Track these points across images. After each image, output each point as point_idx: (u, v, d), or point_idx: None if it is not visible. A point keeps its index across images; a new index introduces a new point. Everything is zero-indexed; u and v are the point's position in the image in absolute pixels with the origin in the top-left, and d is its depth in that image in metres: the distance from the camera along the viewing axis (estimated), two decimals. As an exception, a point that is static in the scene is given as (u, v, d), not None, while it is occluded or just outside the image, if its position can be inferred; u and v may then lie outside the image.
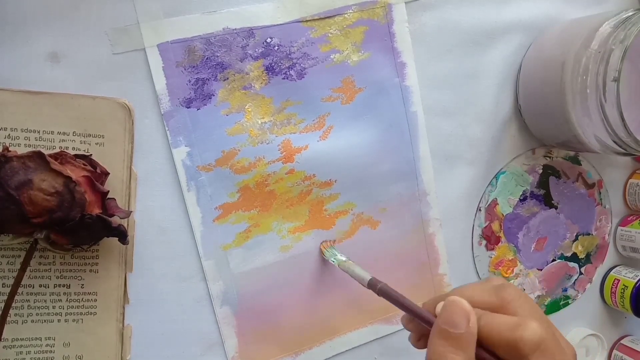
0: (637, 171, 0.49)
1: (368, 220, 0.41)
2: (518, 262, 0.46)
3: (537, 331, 0.25)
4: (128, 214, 0.33)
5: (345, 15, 0.37)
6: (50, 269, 0.34)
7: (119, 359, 0.35)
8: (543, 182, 0.46)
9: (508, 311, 0.27)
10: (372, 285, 0.32)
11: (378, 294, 0.31)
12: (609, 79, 0.34)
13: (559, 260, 0.48)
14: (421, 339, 0.31)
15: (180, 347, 0.37)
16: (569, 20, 0.42)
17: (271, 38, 0.36)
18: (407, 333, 0.43)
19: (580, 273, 0.49)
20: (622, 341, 0.51)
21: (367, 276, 0.33)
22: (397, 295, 0.30)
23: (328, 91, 0.38)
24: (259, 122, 0.37)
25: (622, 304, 0.48)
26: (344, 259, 0.37)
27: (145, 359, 0.36)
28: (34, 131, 0.32)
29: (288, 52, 0.37)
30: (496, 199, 0.44)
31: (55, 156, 0.31)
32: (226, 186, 0.37)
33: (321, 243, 0.40)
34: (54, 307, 0.34)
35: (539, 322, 0.25)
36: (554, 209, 0.46)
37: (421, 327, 0.30)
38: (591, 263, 0.49)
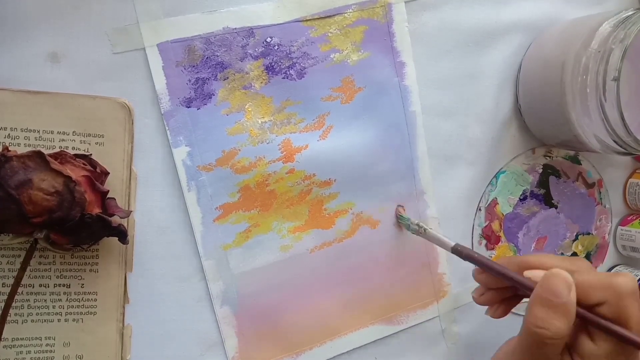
0: (637, 171, 0.49)
1: (368, 219, 0.41)
2: (518, 261, 0.46)
3: (632, 279, 0.28)
4: (128, 213, 0.33)
5: (345, 14, 0.37)
6: (50, 269, 0.34)
7: (119, 358, 0.35)
8: (543, 182, 0.46)
9: None
10: (457, 251, 0.35)
11: (464, 259, 0.35)
12: (609, 78, 0.34)
13: (559, 260, 0.48)
14: (485, 294, 0.35)
15: (180, 347, 0.37)
16: (569, 20, 0.42)
17: (271, 37, 0.36)
18: (409, 334, 0.43)
19: (581, 273, 0.49)
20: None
21: (451, 242, 0.36)
22: (486, 260, 0.33)
23: (328, 91, 0.38)
24: (259, 122, 0.37)
25: (622, 303, 0.48)
26: (416, 226, 0.39)
27: (145, 359, 0.36)
28: (34, 131, 0.32)
29: (288, 51, 0.37)
30: (496, 198, 0.44)
31: (55, 156, 0.31)
32: (226, 186, 0.37)
33: (396, 207, 0.41)
34: (54, 307, 0.34)
35: None
36: (554, 209, 0.46)
37: (490, 282, 0.34)
38: (591, 262, 0.49)
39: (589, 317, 0.29)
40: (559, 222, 0.47)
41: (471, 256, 0.34)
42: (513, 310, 0.36)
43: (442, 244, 0.37)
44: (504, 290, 0.35)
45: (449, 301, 0.44)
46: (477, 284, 0.36)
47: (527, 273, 0.31)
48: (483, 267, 0.33)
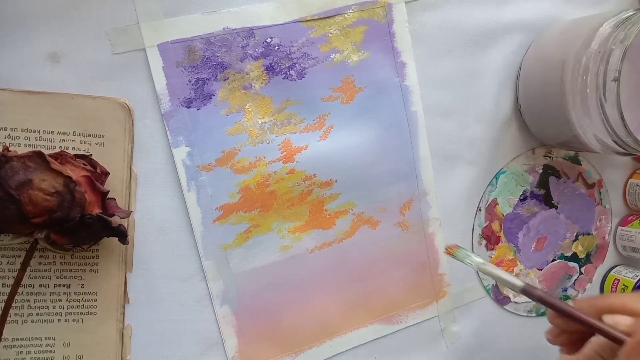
0: (637, 171, 0.49)
1: (368, 220, 0.41)
2: (518, 262, 0.46)
3: None
4: (128, 214, 0.33)
5: (346, 15, 0.37)
6: (50, 269, 0.34)
7: (119, 359, 0.35)
8: (543, 182, 0.46)
9: None
10: (528, 292, 0.31)
11: (535, 301, 0.31)
12: (609, 79, 0.34)
13: (559, 260, 0.48)
14: (561, 335, 0.32)
15: (180, 347, 0.37)
16: (569, 20, 0.42)
17: (271, 38, 0.36)
18: (408, 333, 0.43)
19: (581, 273, 0.49)
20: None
21: (520, 283, 0.32)
22: (563, 305, 0.30)
23: (328, 91, 0.38)
24: (259, 122, 0.37)
25: (622, 303, 0.48)
26: (481, 260, 0.35)
27: (145, 359, 0.36)
28: (34, 131, 0.32)
29: (288, 52, 0.37)
30: (496, 198, 0.44)
31: (55, 156, 0.31)
32: (227, 186, 0.37)
33: (446, 248, 0.37)
34: (54, 307, 0.34)
35: None
36: (554, 209, 0.46)
37: (567, 326, 0.31)
38: (591, 263, 0.49)
39: None
40: (559, 223, 0.47)
41: (544, 299, 0.31)
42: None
43: (509, 284, 0.33)
44: (581, 331, 0.31)
45: (449, 301, 0.44)
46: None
47: (608, 319, 0.28)
48: (560, 312, 0.30)
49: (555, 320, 0.32)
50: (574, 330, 0.31)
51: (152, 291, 0.36)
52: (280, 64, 0.37)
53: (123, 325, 0.35)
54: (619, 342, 0.28)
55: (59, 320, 0.34)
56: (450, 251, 0.37)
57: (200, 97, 0.35)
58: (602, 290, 0.50)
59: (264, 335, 0.39)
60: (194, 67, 0.35)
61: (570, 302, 0.31)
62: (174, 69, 0.34)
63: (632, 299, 0.30)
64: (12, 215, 0.29)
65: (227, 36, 0.35)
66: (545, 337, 0.33)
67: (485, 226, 0.45)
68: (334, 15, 0.37)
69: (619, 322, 0.28)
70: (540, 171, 0.46)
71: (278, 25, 0.36)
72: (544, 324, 0.32)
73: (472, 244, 0.44)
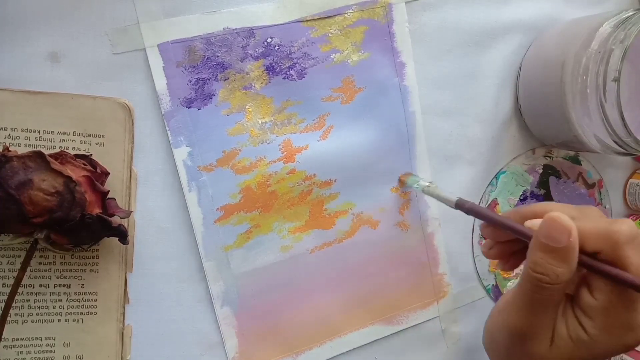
0: (637, 171, 0.49)
1: (368, 219, 0.41)
2: (518, 262, 0.46)
3: (632, 225, 0.27)
4: (128, 214, 0.33)
5: (346, 15, 0.37)
6: (50, 269, 0.34)
7: (119, 359, 0.35)
8: (543, 182, 0.46)
9: None
10: (460, 205, 0.34)
11: (467, 213, 0.34)
12: (609, 79, 0.34)
13: (559, 260, 0.48)
14: (493, 247, 0.34)
15: (180, 347, 0.37)
16: (569, 20, 0.42)
17: (271, 38, 0.36)
18: (409, 334, 0.43)
19: (580, 273, 0.49)
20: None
21: (454, 197, 0.35)
22: (487, 212, 0.32)
23: (328, 91, 0.38)
24: (260, 122, 0.37)
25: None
26: (427, 183, 0.38)
27: (145, 359, 0.36)
28: (34, 131, 0.32)
29: (288, 52, 0.37)
30: (496, 198, 0.45)
31: (56, 156, 0.31)
32: (227, 187, 0.37)
33: (400, 175, 0.41)
34: (54, 307, 0.34)
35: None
36: (554, 209, 0.46)
37: (497, 236, 0.33)
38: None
39: (590, 263, 0.28)
40: (559, 222, 0.47)
41: (474, 209, 0.33)
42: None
43: (445, 201, 0.36)
44: (511, 243, 0.33)
45: (449, 301, 0.44)
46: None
47: (528, 223, 0.30)
48: (485, 219, 0.32)
49: (485, 230, 0.34)
50: (504, 241, 0.33)
51: (152, 291, 0.36)
52: (280, 64, 0.37)
53: (123, 325, 0.35)
54: (529, 239, 0.29)
55: (59, 320, 0.34)
56: (403, 179, 0.41)
57: (200, 97, 0.35)
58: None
59: (264, 335, 0.39)
60: (194, 67, 0.35)
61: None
62: (174, 69, 0.34)
63: (554, 205, 0.31)
64: (12, 215, 0.29)
65: (227, 36, 0.35)
66: (482, 252, 0.35)
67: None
68: (334, 15, 0.37)
69: (535, 223, 0.29)
70: (540, 171, 0.46)
71: (278, 25, 0.36)
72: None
73: (472, 244, 0.44)
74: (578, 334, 0.28)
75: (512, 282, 0.46)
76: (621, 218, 0.28)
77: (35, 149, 0.30)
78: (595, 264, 0.27)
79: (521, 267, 0.32)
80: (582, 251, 0.27)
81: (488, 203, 0.44)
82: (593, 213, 0.30)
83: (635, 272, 0.27)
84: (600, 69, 0.35)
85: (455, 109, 0.42)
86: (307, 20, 0.37)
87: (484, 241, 0.35)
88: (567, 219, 0.27)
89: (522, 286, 0.29)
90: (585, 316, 0.28)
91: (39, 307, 0.34)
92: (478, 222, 0.44)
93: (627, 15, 0.35)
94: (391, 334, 0.42)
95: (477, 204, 0.44)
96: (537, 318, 0.29)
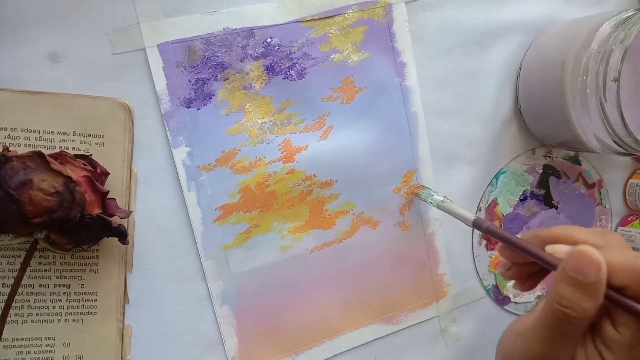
0: (637, 171, 0.49)
1: (368, 220, 0.41)
2: (518, 262, 0.46)
3: None
4: (128, 214, 0.33)
5: (346, 15, 0.37)
6: (50, 269, 0.34)
7: (119, 359, 0.35)
8: (543, 182, 0.46)
9: None
10: (478, 225, 0.33)
11: (485, 233, 0.33)
12: (609, 79, 0.34)
13: (559, 260, 0.48)
14: (511, 269, 0.34)
15: (180, 347, 0.37)
16: (569, 20, 0.42)
17: (271, 38, 0.36)
18: (408, 333, 0.43)
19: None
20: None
21: (471, 216, 0.34)
22: (507, 235, 0.32)
23: (328, 91, 0.38)
24: (259, 122, 0.37)
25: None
26: (441, 198, 0.38)
27: (145, 359, 0.36)
28: (34, 131, 0.32)
29: (288, 52, 0.37)
30: (496, 199, 0.44)
31: (56, 156, 0.31)
32: (227, 186, 0.37)
33: (410, 187, 0.40)
34: (54, 307, 0.34)
35: None
36: (554, 209, 0.46)
37: (515, 258, 0.33)
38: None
39: (616, 298, 0.27)
40: (559, 223, 0.47)
41: (492, 231, 0.32)
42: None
43: (462, 218, 0.35)
44: (529, 265, 0.33)
45: (449, 301, 0.44)
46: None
47: (549, 248, 0.29)
48: (505, 242, 0.32)
49: (504, 251, 0.33)
50: (522, 263, 0.33)
51: (152, 291, 0.36)
52: (280, 64, 0.37)
53: (123, 325, 0.35)
54: (554, 268, 0.28)
55: (59, 320, 0.34)
56: (415, 191, 0.40)
57: (200, 97, 0.35)
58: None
59: (264, 335, 0.39)
60: (194, 67, 0.35)
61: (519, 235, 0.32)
62: (174, 69, 0.34)
63: (574, 229, 0.30)
64: (12, 215, 0.29)
65: (227, 36, 0.35)
66: (499, 272, 0.35)
67: (485, 226, 0.44)
68: (334, 15, 0.37)
69: (558, 250, 0.29)
70: (540, 171, 0.46)
71: (278, 25, 0.36)
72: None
73: (472, 244, 0.44)
74: None
75: (512, 282, 0.46)
76: None
77: (35, 149, 0.30)
78: (622, 299, 0.27)
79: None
80: (608, 285, 0.27)
81: (488, 203, 0.44)
82: (616, 241, 0.30)
83: None
84: (600, 69, 0.35)
85: (455, 109, 0.42)
86: (307, 21, 0.37)
87: (498, 253, 0.34)
88: (597, 253, 0.26)
89: (545, 317, 0.28)
90: (606, 348, 0.28)
91: (38, 307, 0.34)
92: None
93: (627, 15, 0.35)
94: (391, 334, 0.42)
95: (478, 202, 0.44)
96: (557, 349, 0.28)
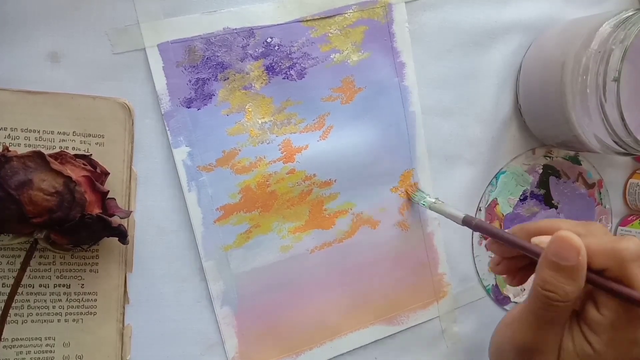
0: (637, 171, 0.49)
1: (368, 219, 0.41)
2: (518, 262, 0.46)
3: (638, 243, 0.27)
4: (128, 214, 0.33)
5: (346, 15, 0.37)
6: (50, 269, 0.34)
7: (119, 359, 0.35)
8: (543, 182, 0.46)
9: None
10: (467, 222, 0.35)
11: (474, 230, 0.35)
12: (609, 79, 0.34)
13: (559, 260, 0.48)
14: (500, 263, 0.35)
15: (180, 347, 0.37)
16: (569, 20, 0.42)
17: (271, 38, 0.36)
18: (409, 334, 0.43)
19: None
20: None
21: (461, 214, 0.35)
22: (494, 229, 0.33)
23: (328, 91, 0.38)
24: (259, 122, 0.37)
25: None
26: (433, 200, 0.39)
27: (145, 359, 0.36)
28: (34, 131, 0.32)
29: (288, 52, 0.37)
30: (496, 198, 0.44)
31: (55, 156, 0.31)
32: (227, 187, 0.37)
33: (406, 188, 0.41)
34: (54, 307, 0.34)
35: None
36: (554, 209, 0.46)
37: (504, 252, 0.34)
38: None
39: (597, 281, 0.28)
40: (559, 223, 0.47)
41: (481, 226, 0.34)
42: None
43: (452, 217, 0.36)
44: (519, 259, 0.34)
45: (449, 301, 0.44)
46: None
47: (535, 239, 0.30)
48: (492, 236, 0.33)
49: (493, 246, 0.35)
50: (511, 257, 0.34)
51: (152, 291, 0.36)
52: (280, 64, 0.37)
53: (123, 325, 0.35)
54: (538, 256, 0.29)
55: (58, 320, 0.34)
56: (410, 191, 0.41)
57: (200, 97, 0.35)
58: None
59: (264, 335, 0.39)
60: (194, 67, 0.35)
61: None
62: (174, 69, 0.34)
63: (560, 222, 0.32)
64: (12, 215, 0.29)
65: (227, 36, 0.35)
66: (489, 267, 0.35)
67: (486, 226, 0.45)
68: (334, 15, 0.37)
69: (543, 240, 0.30)
70: (540, 171, 0.46)
71: (278, 25, 0.36)
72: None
73: (472, 244, 0.44)
74: (584, 350, 0.28)
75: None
76: (627, 236, 0.29)
77: (35, 149, 0.30)
78: (602, 281, 0.28)
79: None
80: (589, 269, 0.28)
81: (488, 203, 0.44)
82: (598, 230, 0.31)
83: None
84: (600, 69, 0.35)
85: (455, 109, 0.42)
86: (307, 20, 0.37)
87: (487, 249, 0.35)
88: (577, 237, 0.27)
89: (530, 303, 0.29)
90: (591, 332, 0.28)
91: (38, 307, 0.34)
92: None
93: (627, 15, 0.35)
94: (391, 334, 0.42)
95: (478, 202, 0.44)
96: (544, 334, 0.29)
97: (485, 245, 0.34)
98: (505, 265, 0.35)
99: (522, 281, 0.35)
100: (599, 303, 0.28)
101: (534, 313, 0.29)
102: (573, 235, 0.28)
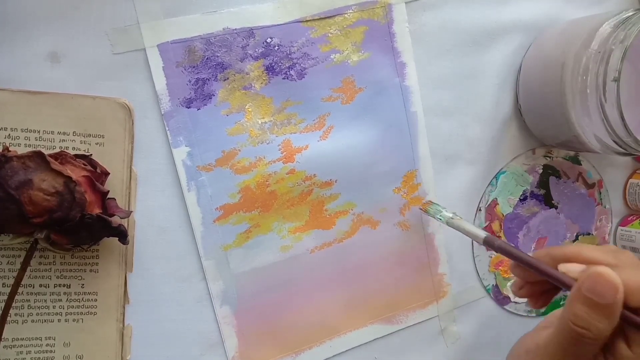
0: (637, 171, 0.49)
1: (368, 220, 0.41)
2: (518, 262, 0.46)
3: None
4: (128, 214, 0.33)
5: (346, 15, 0.37)
6: (50, 269, 0.34)
7: (119, 359, 0.35)
8: (543, 182, 0.46)
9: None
10: (489, 242, 0.33)
11: (496, 251, 0.33)
12: (609, 79, 0.34)
13: (559, 260, 0.48)
14: (524, 287, 0.33)
15: (180, 347, 0.37)
16: (569, 20, 0.42)
17: (271, 38, 0.36)
18: (408, 333, 0.43)
19: (580, 273, 0.49)
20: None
21: (482, 234, 0.34)
22: (519, 253, 0.31)
23: (328, 91, 0.38)
24: (259, 122, 0.37)
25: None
26: (450, 215, 0.38)
27: (145, 359, 0.36)
28: (34, 131, 0.32)
29: (288, 52, 0.37)
30: (496, 199, 0.44)
31: (56, 156, 0.31)
32: (227, 186, 0.37)
33: (421, 204, 0.41)
34: (54, 307, 0.34)
35: None
36: (554, 209, 0.46)
37: (527, 276, 0.32)
38: (591, 263, 0.49)
39: (630, 318, 0.27)
40: (559, 223, 0.47)
41: (504, 249, 0.32)
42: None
43: (472, 236, 0.35)
44: (543, 282, 0.32)
45: (449, 301, 0.44)
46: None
47: (562, 267, 0.29)
48: (517, 259, 0.31)
49: (516, 270, 0.33)
50: (535, 281, 0.32)
51: (152, 291, 0.36)
52: (280, 64, 0.37)
53: (123, 325, 0.35)
54: (568, 287, 0.28)
55: (59, 320, 0.34)
56: (424, 207, 0.40)
57: (200, 97, 0.35)
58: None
59: (264, 335, 0.39)
60: (194, 67, 0.35)
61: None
62: (174, 69, 0.34)
63: (587, 248, 0.30)
64: (12, 215, 0.29)
65: (227, 36, 0.35)
66: (511, 290, 0.33)
67: (485, 226, 0.45)
68: (334, 16, 0.37)
69: (570, 269, 0.29)
70: (540, 171, 0.46)
71: (278, 25, 0.36)
72: (544, 324, 0.32)
73: (472, 244, 0.44)
74: None
75: (511, 282, 0.46)
76: None
77: (35, 149, 0.30)
78: (636, 319, 0.27)
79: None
80: (624, 305, 0.27)
81: (488, 203, 0.44)
82: (629, 260, 0.30)
83: None
84: (600, 69, 0.35)
85: (455, 109, 0.42)
86: (307, 21, 0.37)
87: (510, 271, 0.33)
88: (615, 275, 0.26)
89: (558, 335, 0.28)
90: None
91: (39, 307, 0.34)
92: (478, 222, 0.44)
93: (627, 15, 0.35)
94: (391, 333, 0.42)
95: (478, 202, 0.44)
96: None
97: (509, 268, 0.33)
98: (529, 289, 0.33)
99: (546, 303, 0.34)
100: (630, 339, 0.27)
101: (561, 347, 0.28)
102: (611, 272, 0.26)
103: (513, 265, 0.33)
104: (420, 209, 0.41)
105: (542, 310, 0.47)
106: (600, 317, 0.26)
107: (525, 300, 0.46)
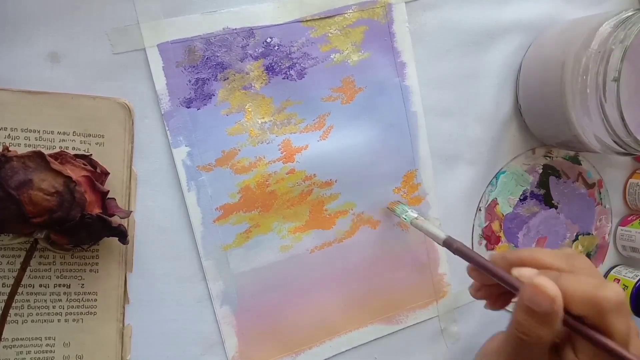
0: (637, 171, 0.49)
1: (368, 220, 0.41)
2: (518, 262, 0.46)
3: (619, 292, 0.27)
4: (128, 213, 0.33)
5: (346, 15, 0.37)
6: (50, 269, 0.34)
7: (119, 359, 0.35)
8: (543, 182, 0.46)
9: None
10: (448, 244, 0.34)
11: (454, 253, 0.33)
12: (609, 79, 0.34)
13: (559, 260, 0.48)
14: (481, 289, 0.34)
15: (180, 347, 0.37)
16: (569, 20, 0.42)
17: (271, 38, 0.36)
18: (408, 333, 0.43)
19: (580, 273, 0.49)
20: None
21: (442, 235, 0.34)
22: (475, 256, 0.32)
23: (328, 91, 0.38)
24: (259, 122, 0.37)
25: (622, 303, 0.48)
26: (415, 215, 0.38)
27: (145, 359, 0.36)
28: (34, 131, 0.32)
29: (288, 52, 0.37)
30: (496, 198, 0.44)
31: (55, 156, 0.31)
32: (227, 186, 0.37)
33: (389, 203, 0.40)
34: (54, 307, 0.34)
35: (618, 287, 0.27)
36: (554, 209, 0.46)
37: (484, 279, 0.33)
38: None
39: (575, 326, 0.27)
40: (559, 223, 0.47)
41: (461, 251, 0.33)
42: (508, 308, 0.35)
43: (433, 237, 0.35)
44: (499, 285, 0.33)
45: (449, 301, 0.44)
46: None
47: (515, 272, 0.29)
48: (473, 262, 0.32)
49: (472, 272, 0.33)
50: (492, 284, 0.33)
51: (152, 291, 0.36)
52: (280, 64, 0.37)
53: (123, 325, 0.35)
54: (516, 290, 0.29)
55: (59, 320, 0.34)
56: (391, 207, 0.40)
57: (200, 97, 0.35)
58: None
59: (264, 335, 0.39)
60: (194, 67, 0.35)
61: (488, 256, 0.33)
62: (174, 69, 0.34)
63: (542, 253, 0.31)
64: (12, 215, 0.29)
65: (227, 36, 0.35)
66: (470, 293, 0.35)
67: (486, 226, 0.45)
68: (334, 15, 0.37)
69: (524, 274, 0.29)
70: (540, 171, 0.46)
71: (278, 25, 0.36)
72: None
73: (472, 244, 0.44)
74: None
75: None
76: (609, 282, 0.28)
77: (35, 149, 0.30)
78: (580, 327, 0.27)
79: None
80: (568, 312, 0.27)
81: (488, 203, 0.44)
82: (582, 265, 0.30)
83: (619, 340, 0.26)
84: (600, 69, 0.35)
85: (455, 109, 0.42)
86: (307, 20, 0.37)
87: (482, 242, 0.34)
88: (552, 286, 0.27)
89: (507, 339, 0.29)
90: None
91: (38, 307, 0.34)
92: (478, 222, 0.44)
93: (627, 15, 0.35)
94: (391, 333, 0.42)
95: (478, 202, 0.44)
96: None
97: (467, 270, 0.33)
98: (486, 291, 0.34)
99: (503, 306, 0.34)
100: (577, 347, 0.28)
101: (509, 350, 0.29)
102: (548, 283, 0.27)
103: (470, 268, 0.33)
104: (388, 208, 0.41)
105: None
106: (539, 325, 0.27)
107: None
